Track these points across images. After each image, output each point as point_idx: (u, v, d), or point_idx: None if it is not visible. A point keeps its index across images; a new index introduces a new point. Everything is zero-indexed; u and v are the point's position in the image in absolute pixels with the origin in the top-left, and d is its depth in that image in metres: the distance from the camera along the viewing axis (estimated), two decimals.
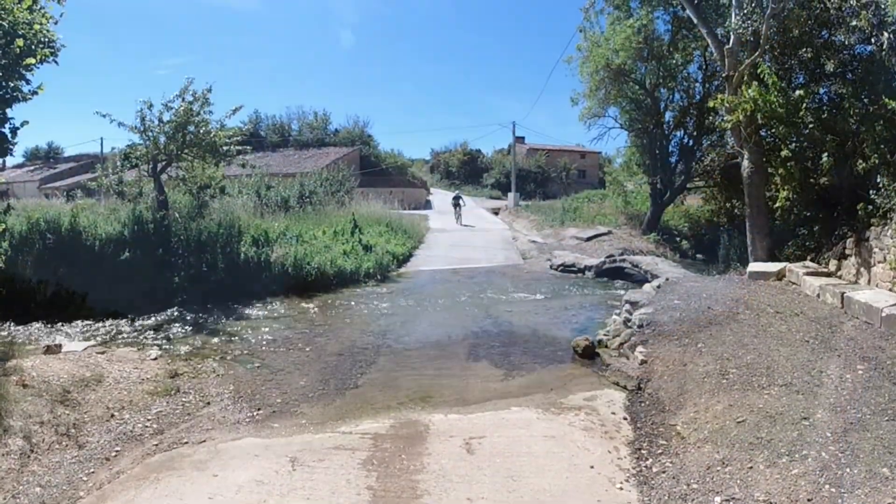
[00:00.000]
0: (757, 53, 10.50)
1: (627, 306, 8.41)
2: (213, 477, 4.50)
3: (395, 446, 4.95)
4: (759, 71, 10.14)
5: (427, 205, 39.31)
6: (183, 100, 13.36)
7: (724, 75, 11.74)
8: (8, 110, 8.76)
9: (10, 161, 40.95)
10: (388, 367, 7.35)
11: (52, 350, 7.35)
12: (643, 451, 4.65)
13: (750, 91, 9.92)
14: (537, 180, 49.37)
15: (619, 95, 20.04)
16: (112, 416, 5.72)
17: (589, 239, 19.97)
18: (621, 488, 4.12)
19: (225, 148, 14.06)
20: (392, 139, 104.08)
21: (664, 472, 4.22)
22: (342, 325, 9.50)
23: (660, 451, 4.60)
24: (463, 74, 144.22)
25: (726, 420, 4.52)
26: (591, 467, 4.42)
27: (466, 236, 22.31)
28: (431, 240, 21.24)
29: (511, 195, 37.07)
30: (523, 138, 51.41)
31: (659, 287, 9.26)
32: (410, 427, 5.41)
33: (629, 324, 7.96)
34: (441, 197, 44.93)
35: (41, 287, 10.70)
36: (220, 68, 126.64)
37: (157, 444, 5.20)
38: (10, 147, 8.96)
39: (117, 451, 5.11)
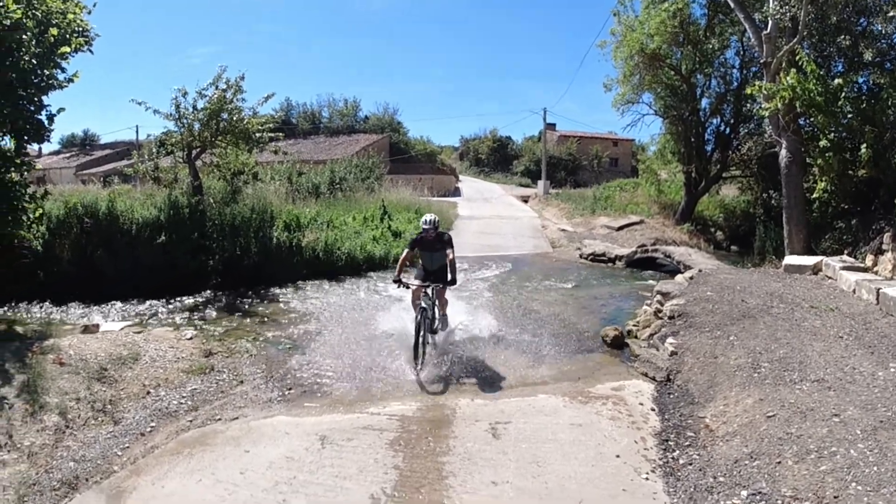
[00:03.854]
0: (795, 40, 10.17)
1: (658, 297, 8.31)
2: (245, 453, 4.64)
3: (421, 428, 5.03)
4: (797, 58, 9.82)
5: (456, 192, 39.24)
6: (216, 88, 13.58)
7: (761, 61, 11.42)
8: (44, 98, 9.05)
9: (46, 148, 42.05)
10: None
11: (89, 330, 7.61)
12: (670, 443, 4.63)
13: (788, 78, 9.63)
14: (568, 168, 48.68)
15: (653, 81, 19.55)
16: (148, 393, 5.92)
17: (620, 228, 19.64)
18: (647, 478, 4.11)
19: (257, 135, 14.26)
20: (421, 126, 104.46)
21: (691, 464, 4.20)
22: (371, 309, 9.60)
23: (687, 443, 4.56)
24: (493, 60, 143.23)
25: (756, 414, 4.46)
26: (617, 456, 4.41)
27: (496, 224, 22.20)
28: (460, 227, 21.20)
29: (541, 183, 36.59)
30: (554, 125, 50.66)
31: (692, 278, 9.11)
32: (437, 410, 5.48)
33: (660, 315, 7.86)
34: (470, 184, 44.79)
35: (78, 269, 10.99)
36: (252, 56, 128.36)
37: (191, 421, 5.37)
38: (47, 134, 9.25)
39: (152, 426, 5.29)
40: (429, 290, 7.29)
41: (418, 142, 46.40)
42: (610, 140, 53.28)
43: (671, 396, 5.59)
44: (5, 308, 9.63)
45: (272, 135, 14.97)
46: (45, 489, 4.26)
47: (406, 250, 7.60)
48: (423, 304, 6.99)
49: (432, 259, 7.60)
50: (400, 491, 4.05)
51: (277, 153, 16.12)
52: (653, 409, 5.36)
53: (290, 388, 6.13)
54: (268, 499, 3.97)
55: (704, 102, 20.30)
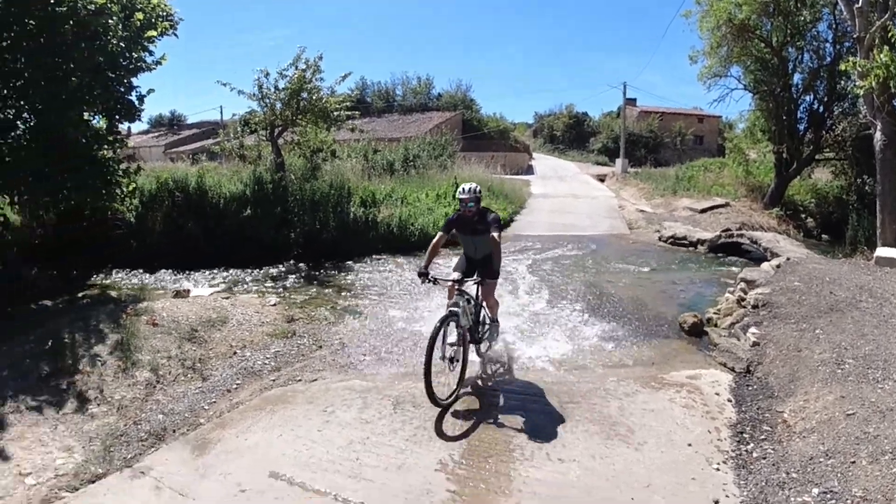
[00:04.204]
0: (887, 16, 9.40)
1: (742, 284, 7.99)
2: (322, 412, 4.96)
3: (490, 401, 5.15)
4: (889, 35, 9.04)
5: (529, 170, 38.75)
6: (296, 68, 14.10)
7: (854, 36, 10.57)
8: (133, 79, 9.66)
9: (136, 127, 44.26)
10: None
11: (180, 294, 8.26)
12: (745, 435, 4.52)
13: (882, 56, 8.88)
14: (648, 146, 46.58)
15: (742, 53, 18.34)
16: (234, 353, 6.38)
17: (703, 211, 18.68)
18: (718, 469, 4.06)
19: (335, 113, 14.74)
20: (495, 103, 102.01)
21: (764, 458, 4.11)
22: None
23: (762, 436, 4.45)
24: (570, 32, 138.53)
25: (836, 411, 4.27)
26: (689, 445, 4.36)
27: (570, 203, 21.79)
28: (533, 205, 21.01)
29: (619, 161, 35.23)
30: (634, 100, 48.34)
31: (778, 266, 8.69)
32: (506, 383, 5.59)
33: (743, 303, 7.56)
34: (544, 162, 44.07)
35: (169, 240, 11.86)
36: (328, 36, 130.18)
37: (274, 380, 5.77)
38: (138, 113, 9.88)
39: (238, 384, 5.70)
40: (468, 287, 5.56)
41: (491, 119, 45.88)
42: (695, 116, 50.31)
43: (749, 388, 5.43)
44: (100, 275, 10.58)
45: (349, 113, 15.41)
46: (133, 440, 4.66)
47: (439, 233, 5.77)
48: (453, 308, 5.19)
49: (475, 245, 5.82)
50: (468, 458, 4.21)
51: (354, 131, 16.56)
52: (729, 401, 5.22)
53: (364, 355, 6.42)
54: (342, 456, 4.24)
55: (797, 78, 18.90)
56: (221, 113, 42.81)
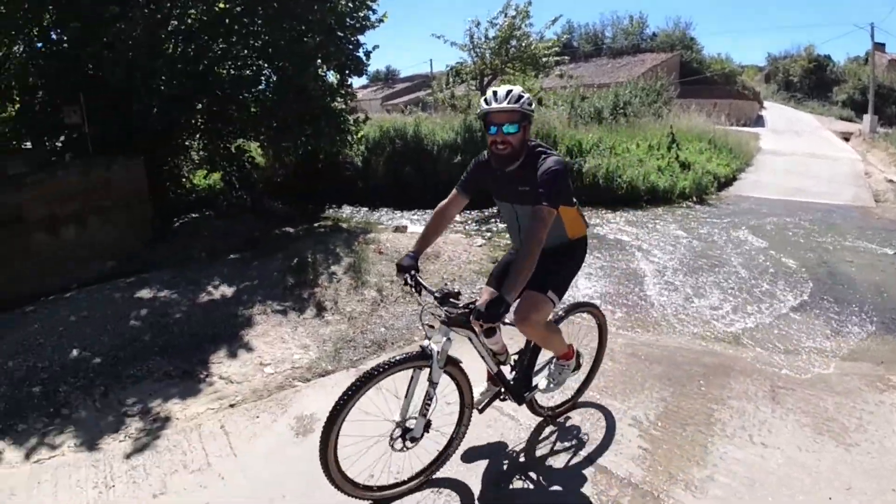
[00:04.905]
0: None
1: None
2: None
3: (692, 370, 4.87)
4: None
5: (758, 121, 34.11)
6: (505, 15, 14.14)
7: None
8: (360, 37, 10.50)
9: (357, 83, 48.54)
10: (692, 294, 7.05)
11: (399, 229, 9.42)
12: None
13: None
14: None
15: None
16: (445, 284, 6.89)
17: None
18: None
19: (544, 59, 14.54)
20: (719, 42, 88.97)
21: None
22: (648, 243, 9.36)
23: None
24: None
25: None
26: None
27: (806, 163, 18.82)
28: (761, 162, 18.62)
29: (867, 118, 29.30)
30: (883, 45, 39.24)
31: None
32: (714, 356, 5.22)
33: None
34: (777, 113, 38.44)
35: (389, 182, 13.27)
36: None
37: None
38: (365, 68, 10.87)
39: None
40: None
41: (715, 60, 40.84)
42: None
43: None
44: (332, 209, 12.49)
45: (557, 59, 15.09)
46: (359, 346, 5.44)
47: (453, 192, 3.38)
48: (427, 344, 2.93)
49: (520, 220, 3.22)
50: (664, 421, 4.08)
51: (563, 77, 16.22)
52: None
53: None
54: None
55: None
56: (431, 66, 45.16)
